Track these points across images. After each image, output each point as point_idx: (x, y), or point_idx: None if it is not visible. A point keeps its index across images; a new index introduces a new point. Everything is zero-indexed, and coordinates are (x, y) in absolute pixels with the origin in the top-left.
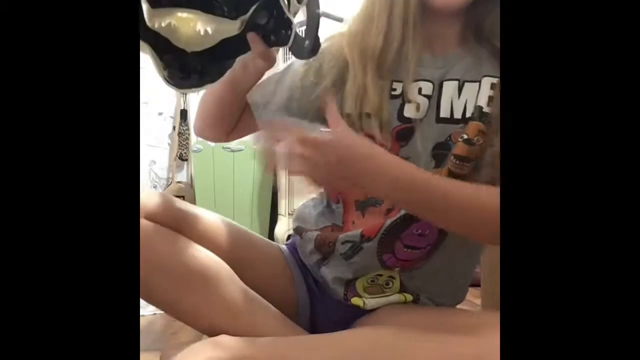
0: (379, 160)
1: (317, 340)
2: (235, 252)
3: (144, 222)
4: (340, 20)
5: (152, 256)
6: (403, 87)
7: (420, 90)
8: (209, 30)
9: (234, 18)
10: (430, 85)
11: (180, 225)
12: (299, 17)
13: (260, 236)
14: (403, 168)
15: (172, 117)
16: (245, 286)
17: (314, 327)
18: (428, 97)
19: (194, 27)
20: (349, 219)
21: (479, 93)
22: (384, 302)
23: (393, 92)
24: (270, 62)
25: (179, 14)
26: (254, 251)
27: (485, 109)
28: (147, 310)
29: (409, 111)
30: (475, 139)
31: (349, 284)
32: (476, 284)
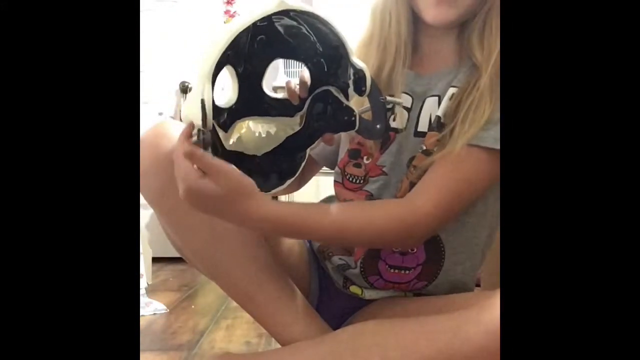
0: (252, 215)
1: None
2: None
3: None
4: (400, 103)
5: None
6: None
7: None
8: (271, 131)
9: (291, 115)
10: (409, 98)
11: None
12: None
13: None
14: (281, 215)
15: (172, 117)
16: (273, 259)
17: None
18: (407, 109)
19: (254, 132)
20: None
21: (441, 104)
22: (383, 294)
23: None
24: (333, 144)
25: (238, 124)
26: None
27: (443, 119)
28: (147, 310)
29: (389, 122)
30: (434, 149)
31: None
32: (476, 284)
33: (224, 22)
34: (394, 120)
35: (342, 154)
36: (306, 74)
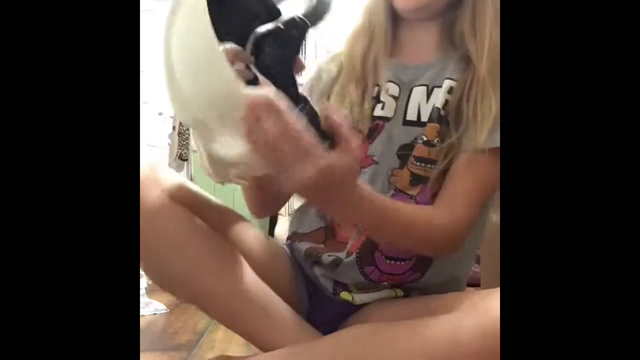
0: (355, 198)
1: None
2: (243, 245)
3: (164, 199)
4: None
5: (169, 233)
6: (378, 89)
7: (387, 90)
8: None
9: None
10: (396, 87)
11: (195, 209)
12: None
13: (266, 234)
14: (376, 200)
15: (172, 117)
16: (255, 274)
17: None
18: (395, 98)
19: (202, 164)
20: None
21: (438, 95)
22: (375, 297)
23: (373, 95)
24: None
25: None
26: (261, 247)
27: (442, 112)
28: (147, 310)
29: (377, 110)
30: (434, 140)
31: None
32: (476, 284)
33: None
34: (382, 109)
35: None
36: (227, 46)
